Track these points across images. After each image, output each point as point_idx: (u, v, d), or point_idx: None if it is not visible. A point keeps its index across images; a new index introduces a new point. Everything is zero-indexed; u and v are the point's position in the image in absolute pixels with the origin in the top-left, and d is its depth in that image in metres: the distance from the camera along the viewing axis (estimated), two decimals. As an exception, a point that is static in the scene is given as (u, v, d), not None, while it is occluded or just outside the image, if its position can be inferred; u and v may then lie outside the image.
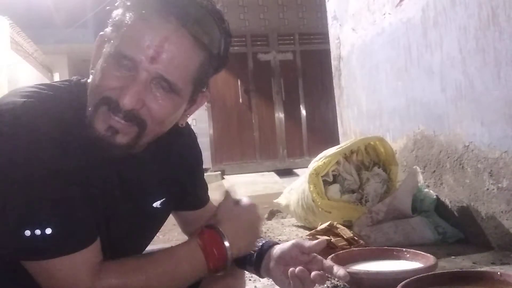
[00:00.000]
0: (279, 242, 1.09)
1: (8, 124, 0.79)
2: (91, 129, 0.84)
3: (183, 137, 1.08)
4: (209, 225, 0.95)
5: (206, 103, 7.20)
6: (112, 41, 0.84)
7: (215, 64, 0.90)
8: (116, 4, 0.87)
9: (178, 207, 1.14)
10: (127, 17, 0.83)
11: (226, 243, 0.92)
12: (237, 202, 1.02)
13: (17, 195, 0.78)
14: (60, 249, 0.80)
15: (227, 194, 1.03)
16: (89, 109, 0.84)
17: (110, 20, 0.87)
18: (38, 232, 0.77)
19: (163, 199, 1.03)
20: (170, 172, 1.04)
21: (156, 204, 1.01)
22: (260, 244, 1.05)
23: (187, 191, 1.11)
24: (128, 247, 0.99)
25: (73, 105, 0.86)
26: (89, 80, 0.90)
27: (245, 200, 1.03)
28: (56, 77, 9.62)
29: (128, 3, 0.84)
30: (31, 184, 0.78)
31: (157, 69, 0.82)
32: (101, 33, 0.89)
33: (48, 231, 0.78)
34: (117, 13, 0.86)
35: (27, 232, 0.77)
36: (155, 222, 1.08)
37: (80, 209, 0.83)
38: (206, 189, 1.21)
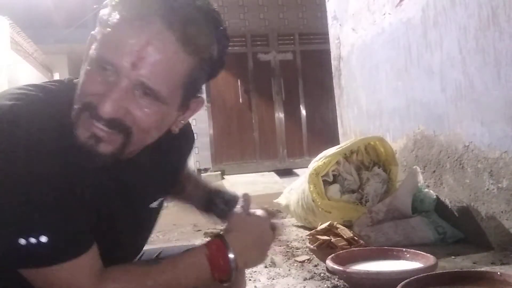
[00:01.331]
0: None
1: None
2: (74, 137, 0.79)
3: (181, 137, 1.05)
4: (218, 235, 0.94)
5: (206, 103, 7.23)
6: (96, 43, 0.79)
7: (208, 69, 0.85)
8: (104, 2, 0.82)
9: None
10: (111, 17, 0.78)
11: (231, 255, 0.90)
12: (250, 213, 1.01)
13: (8, 203, 0.75)
14: (57, 256, 0.78)
15: (245, 200, 1.02)
16: (73, 114, 0.80)
17: (98, 18, 0.82)
18: (33, 240, 0.75)
19: (160, 199, 1.02)
20: (166, 172, 1.03)
21: (153, 205, 1.00)
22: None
23: (175, 185, 1.13)
24: (126, 249, 0.99)
25: (64, 107, 0.82)
26: None
27: (259, 212, 1.02)
28: (56, 77, 9.60)
29: (113, 2, 0.79)
30: (22, 192, 0.75)
31: (139, 76, 0.76)
32: (92, 32, 0.85)
33: (43, 239, 0.75)
34: (103, 12, 0.81)
35: (22, 241, 0.75)
36: (152, 222, 1.07)
37: (75, 215, 0.81)
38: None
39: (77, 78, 0.89)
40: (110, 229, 0.91)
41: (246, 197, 1.04)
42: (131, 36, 0.76)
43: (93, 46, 0.80)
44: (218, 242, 0.91)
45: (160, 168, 1.00)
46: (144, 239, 1.09)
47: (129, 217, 0.95)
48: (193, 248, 0.94)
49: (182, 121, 0.91)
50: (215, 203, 1.14)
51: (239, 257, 0.91)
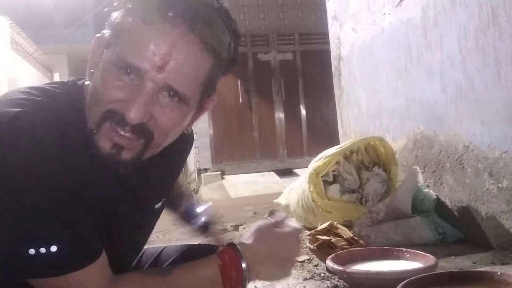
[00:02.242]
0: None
1: (1, 139, 0.73)
2: (94, 147, 0.78)
3: (183, 141, 1.05)
4: (232, 243, 0.91)
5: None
6: (112, 47, 0.78)
7: (223, 67, 0.86)
8: (115, 5, 0.80)
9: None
10: (130, 20, 0.77)
11: (243, 264, 0.87)
12: (280, 223, 0.97)
13: (18, 213, 0.74)
14: (68, 265, 0.77)
15: (277, 216, 0.99)
16: (91, 125, 0.79)
17: (108, 22, 0.81)
18: (43, 250, 0.74)
19: (164, 199, 1.03)
20: (169, 173, 1.04)
21: (158, 205, 1.01)
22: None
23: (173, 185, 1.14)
24: (126, 248, 0.99)
25: (70, 113, 0.81)
26: (86, 83, 0.85)
27: (290, 225, 0.98)
28: (56, 77, 9.62)
29: (130, 5, 0.78)
30: (31, 201, 0.74)
31: (165, 79, 0.76)
32: (98, 35, 0.83)
33: (53, 248, 0.74)
34: (117, 15, 0.79)
35: (32, 251, 0.73)
36: (153, 222, 1.08)
37: (84, 223, 0.79)
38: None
39: (81, 80, 0.88)
40: (112, 230, 0.91)
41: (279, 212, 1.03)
42: (156, 39, 0.75)
43: (107, 50, 0.79)
44: (231, 252, 0.89)
45: (162, 170, 0.99)
46: (144, 239, 1.10)
47: (132, 219, 0.94)
48: (205, 258, 0.90)
49: (194, 121, 0.91)
50: (193, 217, 1.13)
51: (252, 268, 0.88)
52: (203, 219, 1.21)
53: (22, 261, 0.75)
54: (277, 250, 0.93)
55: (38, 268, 0.76)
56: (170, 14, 0.75)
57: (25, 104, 0.77)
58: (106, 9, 0.81)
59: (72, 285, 0.78)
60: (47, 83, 0.88)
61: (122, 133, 0.78)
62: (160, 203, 1.01)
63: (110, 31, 0.80)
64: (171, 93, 0.78)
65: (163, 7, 0.76)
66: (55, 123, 0.78)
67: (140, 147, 0.80)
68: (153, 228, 1.10)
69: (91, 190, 0.82)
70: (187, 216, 1.23)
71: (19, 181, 0.73)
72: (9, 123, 0.74)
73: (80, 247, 0.78)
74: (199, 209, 1.22)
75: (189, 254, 1.15)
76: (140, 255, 1.15)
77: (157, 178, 0.98)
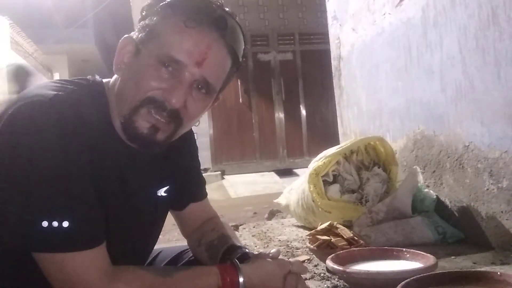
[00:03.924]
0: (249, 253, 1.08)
1: (39, 116, 0.82)
2: (132, 128, 0.90)
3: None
4: (237, 265, 0.96)
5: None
6: (151, 44, 0.91)
7: (235, 70, 1.00)
8: (146, 11, 0.94)
9: (178, 199, 1.16)
10: (171, 24, 0.91)
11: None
12: (275, 257, 1.04)
13: (41, 186, 0.80)
14: (75, 244, 0.81)
15: (273, 253, 1.06)
16: (126, 111, 0.91)
17: (142, 24, 0.94)
18: (55, 224, 0.79)
19: (167, 186, 1.08)
20: (170, 162, 1.08)
21: (160, 192, 1.06)
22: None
23: (185, 183, 1.15)
24: (138, 244, 1.02)
25: (96, 103, 0.93)
26: (105, 80, 0.97)
27: (284, 260, 1.04)
28: (56, 77, 9.61)
29: (171, 11, 0.92)
30: (55, 176, 0.80)
31: (202, 73, 0.91)
32: (127, 35, 0.96)
33: (65, 224, 0.80)
34: (154, 19, 0.93)
35: (45, 223, 0.79)
36: (160, 212, 1.11)
37: (95, 207, 0.86)
38: (203, 183, 1.25)
39: (94, 77, 0.99)
40: (119, 219, 0.95)
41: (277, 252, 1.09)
42: (196, 40, 0.90)
43: (144, 47, 0.92)
44: (232, 275, 0.94)
45: (162, 156, 1.04)
46: (154, 233, 1.13)
47: (136, 205, 0.99)
48: (207, 273, 0.95)
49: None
50: (230, 258, 1.06)
51: None
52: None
53: (33, 232, 0.80)
54: (268, 277, 0.99)
55: (46, 241, 0.80)
56: (206, 21, 0.91)
57: (61, 90, 0.89)
58: (143, 13, 0.96)
59: (75, 265, 0.81)
60: (72, 78, 1.01)
61: (159, 117, 0.90)
62: (163, 190, 1.06)
63: (145, 31, 0.94)
64: (200, 86, 0.93)
65: (201, 15, 0.91)
66: (84, 110, 0.88)
67: (171, 130, 0.93)
68: (161, 220, 1.14)
69: (105, 177, 0.90)
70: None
71: (48, 157, 0.80)
72: (47, 103, 0.84)
73: (90, 228, 0.84)
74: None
75: (184, 255, 1.17)
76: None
77: (154, 162, 1.03)
